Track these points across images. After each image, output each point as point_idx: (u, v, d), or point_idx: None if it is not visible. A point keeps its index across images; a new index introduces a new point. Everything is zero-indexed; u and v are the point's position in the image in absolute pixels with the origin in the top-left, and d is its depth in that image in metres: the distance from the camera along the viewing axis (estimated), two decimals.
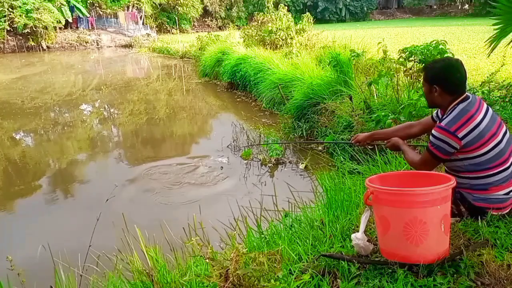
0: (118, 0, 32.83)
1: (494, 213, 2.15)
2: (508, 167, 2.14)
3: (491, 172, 2.11)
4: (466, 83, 2.25)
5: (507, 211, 2.18)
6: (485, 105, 2.21)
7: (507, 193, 2.14)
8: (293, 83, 7.79)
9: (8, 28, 26.33)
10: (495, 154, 2.11)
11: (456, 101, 2.17)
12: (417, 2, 44.35)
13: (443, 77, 2.19)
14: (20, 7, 25.72)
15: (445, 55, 4.43)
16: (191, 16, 37.57)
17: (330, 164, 4.75)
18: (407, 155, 2.42)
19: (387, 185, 2.05)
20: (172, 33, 34.84)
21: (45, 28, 27.12)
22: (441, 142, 2.11)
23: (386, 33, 19.05)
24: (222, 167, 5.59)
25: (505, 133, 2.18)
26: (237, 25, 35.87)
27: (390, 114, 4.03)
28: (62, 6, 28.18)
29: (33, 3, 25.87)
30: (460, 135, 2.07)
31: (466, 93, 2.22)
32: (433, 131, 2.16)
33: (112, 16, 33.39)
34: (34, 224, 4.36)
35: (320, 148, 5.90)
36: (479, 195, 2.15)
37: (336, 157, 4.73)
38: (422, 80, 2.44)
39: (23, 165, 6.37)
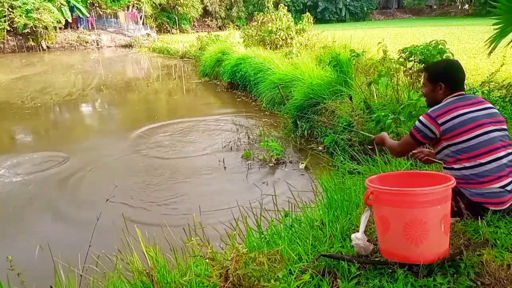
0: (118, 0, 32.83)
1: (493, 208, 2.16)
2: (501, 158, 2.17)
3: (481, 161, 2.16)
4: (465, 83, 2.42)
5: (506, 206, 2.17)
6: (484, 105, 2.30)
7: (503, 187, 2.15)
8: (293, 83, 7.78)
9: (8, 28, 26.35)
10: (481, 142, 2.17)
11: (449, 96, 2.35)
12: (417, 2, 44.31)
13: (448, 75, 2.37)
14: (20, 7, 25.73)
15: (445, 55, 4.44)
16: (191, 16, 37.58)
17: (330, 164, 4.75)
18: (387, 142, 2.70)
19: (387, 185, 2.05)
20: (172, 33, 34.83)
21: (45, 28, 27.13)
22: (423, 126, 2.32)
23: (386, 33, 19.03)
24: (225, 167, 5.59)
25: (501, 129, 2.25)
26: (237, 25, 35.83)
27: (390, 114, 4.02)
28: (62, 6, 28.18)
29: (33, 3, 25.87)
30: (440, 121, 2.25)
31: (466, 93, 2.37)
32: (420, 117, 2.37)
33: (112, 16, 33.39)
34: (34, 224, 4.36)
35: (320, 148, 5.91)
36: (475, 189, 2.17)
37: (336, 157, 4.72)
38: (423, 81, 2.57)
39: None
